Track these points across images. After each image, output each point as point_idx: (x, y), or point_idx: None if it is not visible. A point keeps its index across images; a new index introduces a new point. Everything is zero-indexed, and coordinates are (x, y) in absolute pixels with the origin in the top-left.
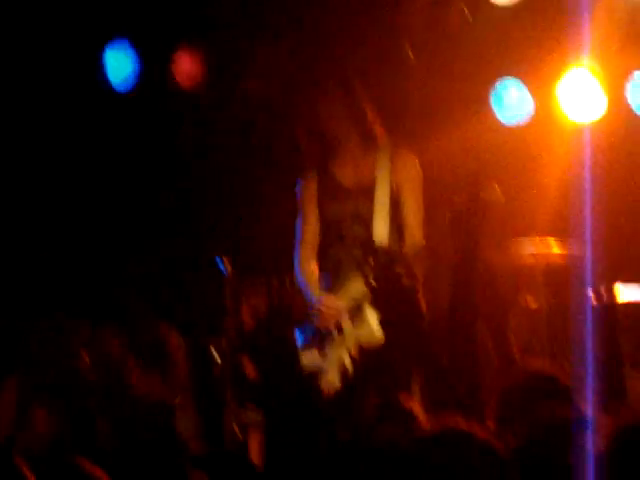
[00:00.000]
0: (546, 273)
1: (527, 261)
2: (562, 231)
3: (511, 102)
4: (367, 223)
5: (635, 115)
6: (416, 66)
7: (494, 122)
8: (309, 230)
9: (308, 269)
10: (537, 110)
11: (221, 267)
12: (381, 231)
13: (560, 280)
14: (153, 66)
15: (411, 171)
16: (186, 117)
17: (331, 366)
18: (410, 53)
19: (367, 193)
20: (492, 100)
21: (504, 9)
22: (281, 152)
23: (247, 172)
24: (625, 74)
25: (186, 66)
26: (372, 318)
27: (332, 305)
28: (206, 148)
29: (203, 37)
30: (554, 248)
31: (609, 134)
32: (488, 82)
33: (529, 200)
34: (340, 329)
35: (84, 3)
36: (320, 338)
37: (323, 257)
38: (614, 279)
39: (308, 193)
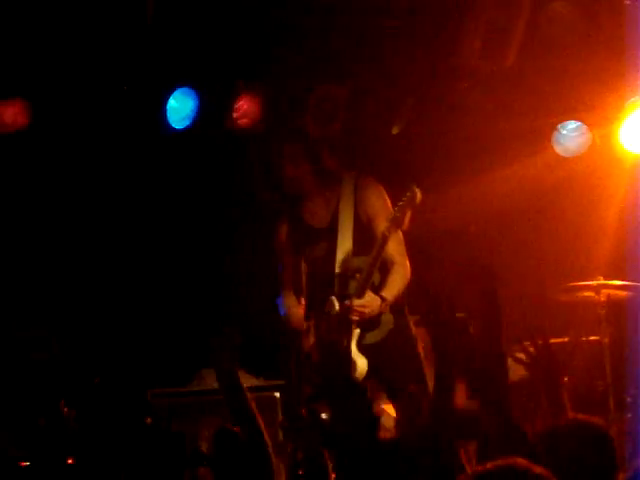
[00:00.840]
0: (608, 306)
1: (588, 295)
2: (620, 270)
3: (569, 135)
4: (334, 258)
5: None
6: (472, 103)
7: (552, 156)
8: (289, 276)
9: (294, 314)
10: (594, 142)
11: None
12: (345, 264)
13: (621, 313)
14: (213, 105)
15: (378, 199)
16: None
17: None
18: (465, 90)
19: (334, 229)
20: (551, 134)
21: (560, 42)
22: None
23: None
24: None
25: (245, 105)
26: (354, 349)
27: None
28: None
29: (262, 78)
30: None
31: None
32: (547, 117)
33: (588, 238)
34: None
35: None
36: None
37: (300, 293)
38: None
39: (282, 239)
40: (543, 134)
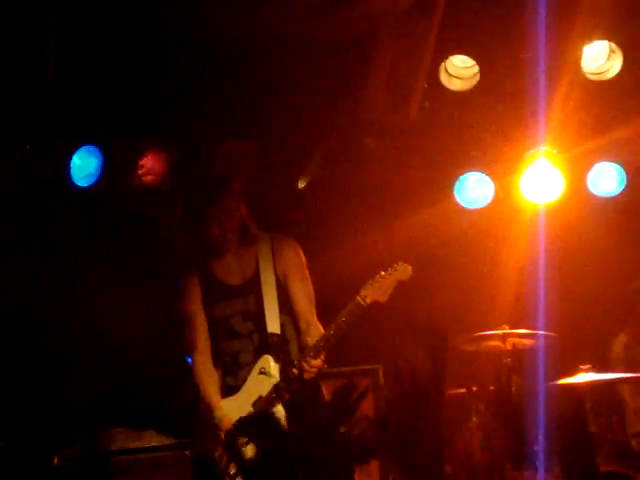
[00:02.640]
0: (513, 355)
1: (494, 345)
2: (522, 319)
3: (471, 186)
4: (258, 317)
5: (592, 196)
6: (377, 155)
7: (455, 207)
8: (200, 333)
9: (206, 377)
10: (496, 193)
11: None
12: (275, 324)
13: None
14: (117, 162)
15: (295, 259)
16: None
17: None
18: (370, 143)
19: (253, 287)
20: (453, 185)
21: (460, 95)
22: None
23: None
24: (584, 160)
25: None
26: (283, 412)
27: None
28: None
29: (166, 134)
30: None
31: (565, 215)
32: (448, 168)
33: (491, 288)
34: None
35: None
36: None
37: (215, 353)
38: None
39: (191, 296)
40: (445, 185)
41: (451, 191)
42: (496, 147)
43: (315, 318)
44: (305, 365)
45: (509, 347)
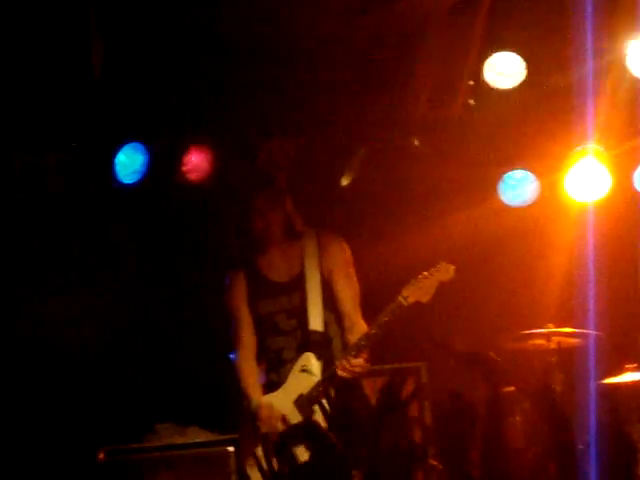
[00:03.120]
0: (559, 354)
1: (538, 343)
2: (569, 317)
3: (516, 184)
4: (302, 315)
5: (639, 195)
6: (421, 153)
7: (500, 205)
8: (244, 329)
9: (248, 372)
10: (541, 191)
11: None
12: (318, 322)
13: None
14: (162, 159)
15: (341, 256)
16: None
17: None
18: (414, 140)
19: (298, 284)
20: (498, 183)
21: (506, 92)
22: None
23: None
24: (631, 158)
25: (194, 159)
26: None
27: (272, 412)
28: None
29: (211, 131)
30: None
31: (611, 213)
32: (493, 166)
33: (536, 287)
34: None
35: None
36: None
37: (260, 349)
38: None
39: (237, 292)
40: (490, 183)
41: (496, 189)
42: (542, 144)
43: (359, 316)
44: (346, 364)
45: (554, 346)
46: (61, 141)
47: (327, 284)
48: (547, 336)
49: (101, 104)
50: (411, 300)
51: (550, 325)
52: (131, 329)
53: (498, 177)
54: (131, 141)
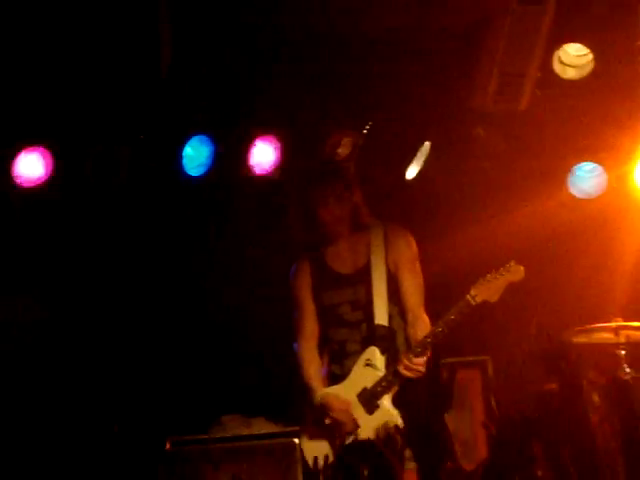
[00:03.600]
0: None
1: (606, 337)
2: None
3: (584, 176)
4: (367, 307)
5: None
6: (487, 145)
7: (568, 197)
8: (308, 320)
9: (311, 363)
10: (610, 183)
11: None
12: (383, 315)
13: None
14: (228, 152)
15: (407, 249)
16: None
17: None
18: (481, 132)
19: (364, 277)
20: (566, 176)
21: (574, 84)
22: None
23: None
24: None
25: (260, 152)
26: (389, 404)
27: (342, 404)
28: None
29: (277, 124)
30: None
31: None
32: (562, 158)
33: (604, 280)
34: (355, 422)
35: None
36: (332, 434)
37: (323, 340)
38: None
39: (302, 282)
40: (558, 176)
41: (564, 182)
42: (610, 136)
43: (423, 311)
44: (409, 363)
45: (623, 339)
46: (129, 133)
47: (392, 277)
48: (615, 330)
49: (168, 96)
50: (479, 299)
51: (618, 319)
52: (199, 320)
53: (567, 169)
54: (197, 134)
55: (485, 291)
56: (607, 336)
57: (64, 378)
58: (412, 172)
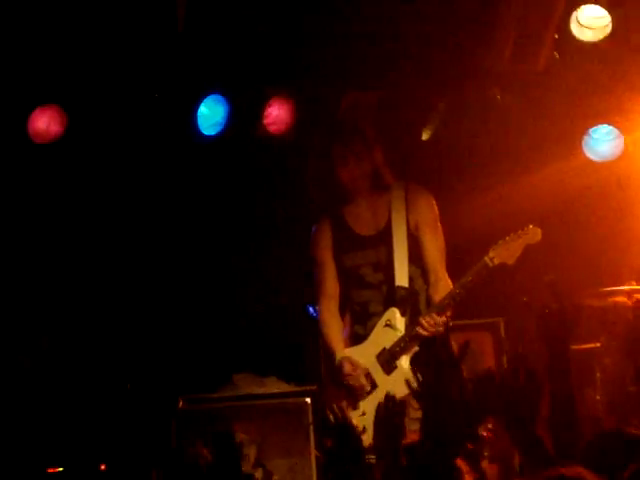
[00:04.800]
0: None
1: (620, 300)
2: None
3: (600, 139)
4: (388, 269)
5: None
6: (504, 107)
7: (584, 160)
8: (329, 280)
9: (332, 324)
10: (626, 147)
11: (312, 313)
12: (403, 277)
13: None
14: (243, 111)
15: (428, 210)
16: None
17: (368, 422)
18: (497, 94)
19: (385, 238)
20: (582, 138)
21: (591, 46)
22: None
23: None
24: None
25: (275, 112)
26: (407, 365)
27: (356, 365)
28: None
29: (292, 84)
30: None
31: None
32: (578, 121)
33: (620, 244)
34: (373, 383)
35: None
36: (351, 394)
37: (344, 301)
38: None
39: (323, 243)
40: (574, 139)
41: (580, 144)
42: (627, 99)
43: (444, 272)
44: (428, 322)
45: (636, 303)
46: (144, 92)
47: (413, 238)
48: (629, 293)
49: (183, 56)
50: (497, 261)
51: (632, 282)
52: (210, 280)
53: (583, 132)
54: (212, 93)
55: (503, 253)
56: (621, 299)
57: (78, 337)
58: (428, 133)
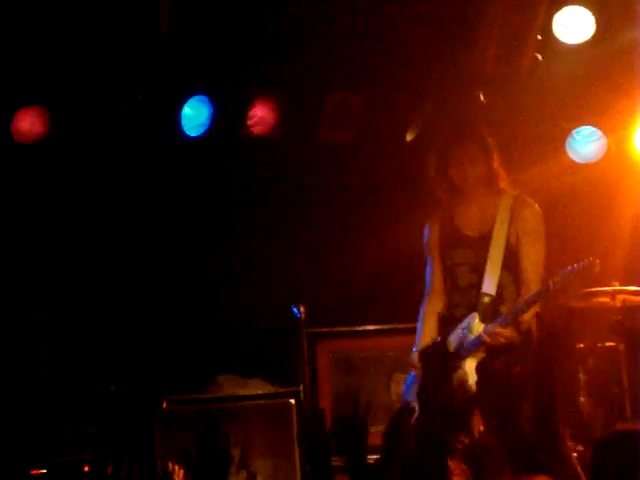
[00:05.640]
0: (623, 312)
1: (603, 301)
2: (635, 276)
3: (583, 140)
4: (480, 273)
5: None
6: (487, 109)
7: (567, 161)
8: (437, 278)
9: (428, 321)
10: (609, 148)
11: (296, 314)
12: (491, 284)
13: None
14: (227, 112)
15: (531, 222)
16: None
17: None
18: (482, 97)
19: (484, 243)
20: (565, 139)
21: (574, 48)
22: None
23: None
24: None
25: (260, 113)
26: (470, 368)
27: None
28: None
29: (277, 85)
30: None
31: None
32: (561, 122)
33: (603, 244)
34: None
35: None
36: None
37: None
38: None
39: (434, 240)
40: (557, 140)
41: (563, 145)
42: (610, 100)
43: (536, 286)
44: (490, 330)
45: (619, 304)
46: (127, 92)
47: (511, 248)
48: (612, 294)
49: (167, 56)
50: (558, 287)
51: (615, 283)
52: (194, 281)
53: (566, 133)
54: (196, 94)
55: (565, 281)
56: (604, 300)
57: (61, 338)
58: (411, 134)
